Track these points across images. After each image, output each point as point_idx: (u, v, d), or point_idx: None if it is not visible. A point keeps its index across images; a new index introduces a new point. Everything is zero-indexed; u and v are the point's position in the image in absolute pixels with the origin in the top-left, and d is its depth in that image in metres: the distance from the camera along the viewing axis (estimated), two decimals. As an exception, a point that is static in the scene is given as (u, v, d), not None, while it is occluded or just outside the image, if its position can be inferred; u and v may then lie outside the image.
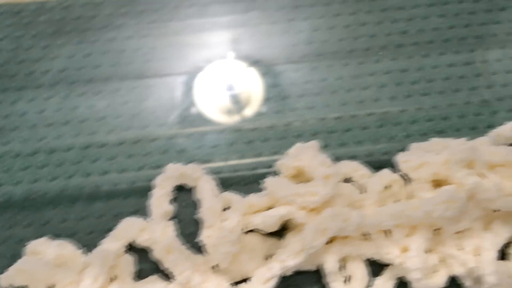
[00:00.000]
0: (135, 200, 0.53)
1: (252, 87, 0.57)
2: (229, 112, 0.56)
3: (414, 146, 0.53)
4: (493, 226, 0.51)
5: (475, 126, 0.55)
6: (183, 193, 0.53)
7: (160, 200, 0.51)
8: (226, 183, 0.53)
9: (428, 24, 0.58)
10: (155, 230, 0.49)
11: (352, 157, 0.54)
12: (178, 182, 0.52)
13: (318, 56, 0.57)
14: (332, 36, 0.58)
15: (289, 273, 0.50)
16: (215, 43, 0.58)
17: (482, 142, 0.53)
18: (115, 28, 0.58)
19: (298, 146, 0.52)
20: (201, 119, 0.55)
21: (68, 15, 0.58)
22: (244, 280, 0.50)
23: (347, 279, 0.50)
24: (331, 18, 0.58)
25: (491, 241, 0.50)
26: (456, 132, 0.55)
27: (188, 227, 0.52)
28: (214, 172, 0.53)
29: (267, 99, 0.56)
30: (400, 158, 0.52)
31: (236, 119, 0.55)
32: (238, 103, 0.56)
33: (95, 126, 0.55)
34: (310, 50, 0.57)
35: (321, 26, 0.58)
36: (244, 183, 0.53)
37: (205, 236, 0.49)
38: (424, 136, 0.54)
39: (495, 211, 0.51)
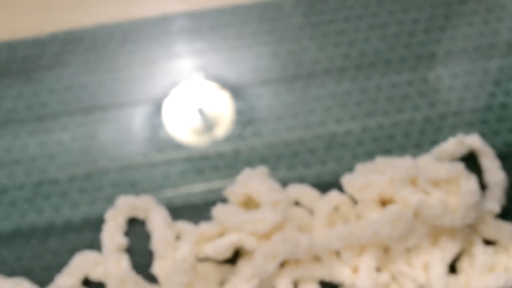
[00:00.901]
0: (89, 234, 0.53)
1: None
2: (178, 143, 0.56)
3: (360, 167, 0.54)
4: (440, 242, 0.51)
5: (419, 144, 0.56)
6: (137, 225, 0.53)
7: (112, 233, 0.51)
8: (179, 212, 0.53)
9: (369, 47, 0.59)
10: (109, 263, 0.50)
11: (301, 180, 0.54)
12: (129, 215, 0.53)
13: (263, 83, 0.58)
14: (276, 63, 0.59)
15: None
16: (160, 75, 0.58)
17: (426, 160, 0.54)
18: (61, 66, 0.58)
19: (246, 173, 0.52)
20: (152, 150, 0.56)
21: (15, 55, 0.58)
22: (200, 308, 0.50)
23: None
24: (274, 45, 0.59)
25: (439, 257, 0.51)
26: (401, 150, 0.56)
27: (143, 258, 0.52)
28: (166, 202, 0.53)
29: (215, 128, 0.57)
30: (346, 180, 0.52)
31: (186, 149, 0.56)
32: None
33: (46, 164, 0.55)
34: (255, 77, 0.58)
35: (264, 53, 0.59)
36: (196, 211, 0.54)
37: (158, 267, 0.50)
38: (370, 156, 0.55)
39: (441, 227, 0.51)
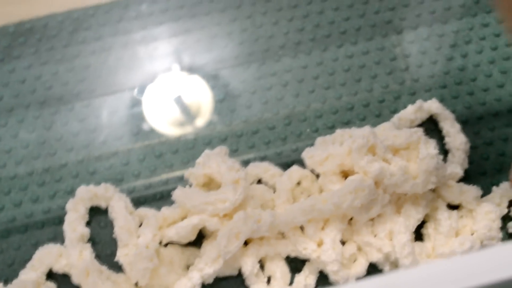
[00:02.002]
0: (52, 227, 0.53)
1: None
2: (135, 131, 0.56)
3: (320, 140, 0.53)
4: (403, 210, 0.51)
5: (379, 113, 0.56)
6: (99, 214, 0.53)
7: (74, 224, 0.51)
8: (140, 200, 0.53)
9: (323, 18, 0.59)
10: (72, 254, 0.50)
11: (263, 158, 0.54)
12: (91, 204, 0.52)
13: (218, 63, 0.58)
14: (230, 42, 0.58)
15: (210, 280, 0.50)
16: (115, 61, 0.58)
17: (385, 127, 0.53)
18: (13, 58, 0.58)
19: (206, 153, 0.52)
20: (110, 139, 0.55)
21: None
22: (168, 293, 0.50)
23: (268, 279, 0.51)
24: (227, 24, 0.59)
25: (403, 225, 0.51)
26: (361, 121, 0.56)
27: (107, 247, 0.52)
28: (127, 190, 0.53)
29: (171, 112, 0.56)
30: (306, 154, 0.52)
31: (140, 137, 0.56)
32: (140, 122, 0.56)
33: (4, 159, 0.55)
34: (209, 57, 0.58)
35: (218, 33, 0.59)
36: (158, 197, 0.54)
37: (122, 255, 0.50)
38: (331, 129, 0.55)
39: (404, 194, 0.51)
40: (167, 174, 0.54)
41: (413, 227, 0.51)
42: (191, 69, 0.58)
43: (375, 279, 0.29)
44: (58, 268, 0.50)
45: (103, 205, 0.53)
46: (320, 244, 0.50)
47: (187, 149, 0.55)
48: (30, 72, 0.57)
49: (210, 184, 0.53)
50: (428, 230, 0.52)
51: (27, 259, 0.51)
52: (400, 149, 0.52)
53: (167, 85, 0.57)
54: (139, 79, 0.57)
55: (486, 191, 0.52)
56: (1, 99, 0.56)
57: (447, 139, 0.54)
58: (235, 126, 0.56)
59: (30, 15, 0.59)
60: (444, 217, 0.51)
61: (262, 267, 0.51)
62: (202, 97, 0.57)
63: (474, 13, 0.58)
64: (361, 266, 0.51)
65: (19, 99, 0.56)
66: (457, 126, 0.54)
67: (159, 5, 0.59)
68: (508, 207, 0.52)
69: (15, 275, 0.50)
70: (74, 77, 0.57)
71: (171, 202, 0.51)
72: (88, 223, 0.52)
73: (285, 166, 0.53)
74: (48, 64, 0.57)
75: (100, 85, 0.57)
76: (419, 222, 0.51)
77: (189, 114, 0.56)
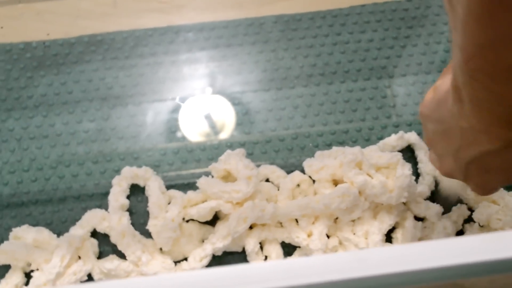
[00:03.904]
0: (99, 196, 0.55)
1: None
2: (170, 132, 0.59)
3: (319, 154, 0.56)
4: (379, 216, 0.54)
5: (369, 138, 0.58)
6: (137, 190, 0.55)
7: (117, 196, 0.53)
8: (171, 184, 0.56)
9: (332, 59, 0.61)
10: (112, 219, 0.52)
11: (272, 163, 0.57)
12: (132, 181, 0.55)
13: (244, 85, 0.60)
14: (256, 69, 0.61)
15: (219, 253, 0.52)
16: (164, 74, 0.61)
17: (371, 149, 0.56)
18: (85, 62, 0.60)
19: (227, 153, 0.55)
20: (154, 133, 0.58)
21: (48, 52, 0.61)
22: (185, 259, 0.53)
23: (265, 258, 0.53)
24: (255, 55, 0.62)
25: (378, 227, 0.53)
26: (354, 143, 0.58)
27: (141, 217, 0.54)
28: (162, 175, 0.56)
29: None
30: (306, 163, 0.55)
31: (175, 136, 0.58)
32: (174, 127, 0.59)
33: (69, 139, 0.57)
34: (238, 80, 0.60)
35: (247, 61, 0.61)
36: (185, 184, 0.56)
37: (152, 225, 0.52)
38: (329, 146, 0.57)
39: (381, 204, 0.54)
40: (194, 166, 0.57)
41: (385, 230, 0.53)
42: (222, 87, 0.60)
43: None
44: (101, 228, 0.53)
45: (141, 184, 0.55)
46: (309, 235, 0.53)
47: (213, 149, 0.57)
48: (96, 74, 0.60)
49: (228, 177, 0.55)
50: (397, 234, 0.54)
51: (77, 219, 0.53)
52: (382, 168, 0.55)
53: (202, 98, 0.60)
54: (181, 91, 0.60)
55: (447, 210, 0.54)
56: (72, 92, 0.59)
57: (420, 165, 0.56)
58: (252, 136, 0.58)
59: (102, 30, 0.62)
60: (411, 226, 0.53)
61: (261, 248, 0.53)
62: (229, 110, 0.60)
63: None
64: (340, 257, 0.53)
65: (86, 94, 0.59)
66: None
67: (203, 34, 0.62)
68: (463, 224, 0.55)
69: (66, 230, 0.53)
70: (130, 82, 0.60)
71: (195, 188, 0.54)
72: (128, 197, 0.54)
73: (289, 171, 0.55)
74: (111, 70, 0.60)
75: (150, 91, 0.60)
76: (390, 227, 0.53)
77: (217, 123, 0.59)
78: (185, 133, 0.58)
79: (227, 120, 0.59)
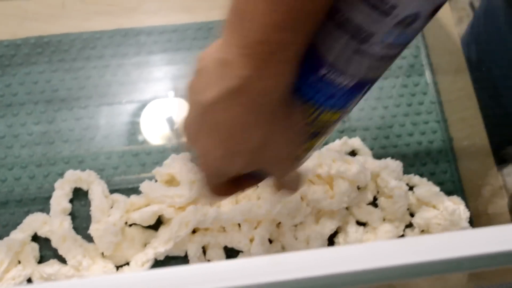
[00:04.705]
0: (42, 200, 0.55)
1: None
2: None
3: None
4: (321, 221, 0.54)
5: None
6: (81, 194, 0.55)
7: (59, 199, 0.53)
8: (115, 188, 0.56)
9: None
10: (54, 223, 0.52)
11: None
12: (75, 185, 0.55)
13: None
14: None
15: (161, 258, 0.52)
16: (110, 76, 0.61)
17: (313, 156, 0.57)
18: (30, 64, 0.60)
19: (172, 157, 0.55)
20: (99, 137, 0.58)
21: None
22: (127, 264, 0.52)
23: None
24: None
25: (319, 232, 0.54)
26: None
27: (84, 221, 0.54)
28: (106, 179, 0.56)
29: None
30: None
31: (122, 140, 0.58)
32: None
33: (12, 141, 0.57)
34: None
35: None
36: (129, 188, 0.56)
37: (94, 229, 0.52)
38: None
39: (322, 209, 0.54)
40: (140, 170, 0.57)
41: (327, 235, 0.54)
42: (171, 90, 0.60)
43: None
44: (42, 232, 0.52)
45: (85, 187, 0.55)
46: (252, 240, 0.53)
47: (159, 153, 0.57)
48: (42, 76, 0.59)
49: (172, 182, 0.55)
50: (339, 239, 0.55)
51: (19, 223, 0.53)
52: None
53: (152, 101, 0.60)
54: (128, 94, 0.60)
55: (389, 215, 0.55)
56: (16, 94, 0.58)
57: (363, 170, 0.57)
58: None
59: (49, 31, 0.61)
60: (352, 230, 0.54)
61: (204, 252, 0.53)
62: (176, 114, 0.60)
63: (396, 75, 0.62)
64: (283, 261, 0.54)
65: (31, 96, 0.59)
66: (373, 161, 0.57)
67: (152, 37, 0.62)
68: (404, 229, 0.56)
69: (7, 234, 0.52)
70: (76, 84, 0.59)
71: (139, 192, 0.54)
72: (71, 201, 0.54)
73: (234, 175, 0.56)
74: (57, 72, 0.60)
75: (97, 94, 0.59)
76: (332, 232, 0.54)
77: (163, 127, 0.59)
78: (131, 137, 0.58)
79: (171, 125, 0.59)
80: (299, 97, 0.35)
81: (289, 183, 0.41)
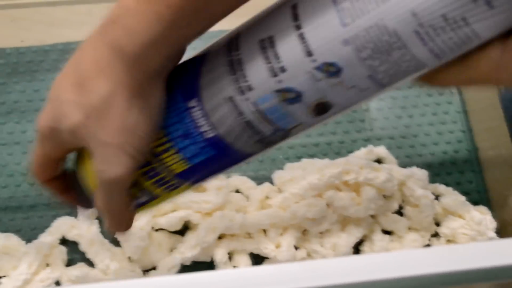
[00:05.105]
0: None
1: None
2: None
3: (289, 166, 0.57)
4: (347, 228, 0.54)
5: (339, 152, 0.59)
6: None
7: (87, 204, 0.54)
8: None
9: None
10: (82, 227, 0.53)
11: (242, 174, 0.57)
12: None
13: None
14: None
15: (188, 263, 0.53)
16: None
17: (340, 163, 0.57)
18: (58, 70, 0.60)
19: None
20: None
21: (22, 59, 0.61)
22: (153, 268, 0.53)
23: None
24: None
25: (346, 240, 0.54)
26: (324, 155, 0.58)
27: None
28: None
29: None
30: (275, 175, 0.56)
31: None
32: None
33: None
34: None
35: None
36: None
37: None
38: (299, 158, 0.58)
39: (349, 217, 0.54)
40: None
41: (353, 243, 0.54)
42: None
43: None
44: (70, 236, 0.53)
45: (112, 192, 0.56)
46: (278, 246, 0.53)
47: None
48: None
49: (198, 188, 0.55)
50: (365, 247, 0.55)
51: (47, 226, 0.53)
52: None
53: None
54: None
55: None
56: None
57: (388, 179, 0.57)
58: None
59: (76, 38, 0.59)
60: (378, 239, 0.54)
61: (230, 258, 0.53)
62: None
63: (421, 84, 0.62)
64: (308, 268, 0.54)
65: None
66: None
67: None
68: (430, 239, 0.56)
69: (36, 237, 0.53)
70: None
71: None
72: None
73: (259, 182, 0.56)
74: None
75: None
76: (358, 240, 0.54)
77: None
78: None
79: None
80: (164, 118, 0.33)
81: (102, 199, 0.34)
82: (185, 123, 0.32)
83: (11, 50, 0.61)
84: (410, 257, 0.33)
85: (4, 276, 0.51)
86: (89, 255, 0.52)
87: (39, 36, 0.62)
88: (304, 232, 0.55)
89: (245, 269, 0.31)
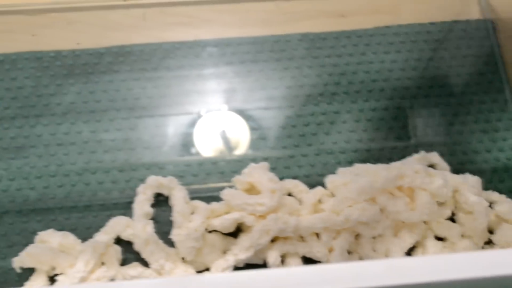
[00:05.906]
0: (124, 204, 0.56)
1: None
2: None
3: (341, 170, 0.57)
4: (400, 234, 0.54)
5: (391, 157, 0.59)
6: (162, 200, 0.56)
7: (142, 204, 0.54)
8: (195, 195, 0.56)
9: (356, 78, 0.63)
10: (137, 227, 0.53)
11: (294, 177, 0.58)
12: (157, 190, 0.56)
13: (269, 101, 0.62)
14: (281, 85, 0.62)
15: (241, 265, 0.53)
16: (190, 87, 0.62)
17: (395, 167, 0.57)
18: (113, 72, 0.62)
19: (251, 166, 0.56)
20: (178, 144, 0.59)
21: (77, 61, 0.62)
22: (207, 269, 0.53)
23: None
24: (280, 71, 0.63)
25: (399, 246, 0.54)
26: (376, 161, 0.58)
27: (165, 226, 0.55)
28: (186, 186, 0.56)
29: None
30: (328, 179, 0.56)
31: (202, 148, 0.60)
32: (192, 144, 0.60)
33: (95, 147, 0.58)
34: (263, 95, 0.62)
35: (272, 76, 0.63)
36: (209, 195, 0.57)
37: (175, 234, 0.53)
38: (350, 163, 0.58)
39: (402, 222, 0.54)
40: (218, 178, 0.58)
41: (406, 249, 0.54)
42: (247, 102, 0.61)
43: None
44: (125, 236, 0.54)
45: (166, 193, 0.56)
46: (331, 250, 0.53)
47: (237, 162, 0.58)
48: (124, 84, 0.61)
49: (251, 190, 0.56)
50: (417, 253, 0.55)
51: (102, 225, 0.54)
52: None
53: (227, 112, 0.62)
54: (206, 104, 0.61)
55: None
56: (100, 101, 0.60)
57: (441, 185, 0.57)
58: (276, 151, 0.59)
59: (131, 41, 0.63)
60: (431, 245, 0.54)
61: (282, 261, 0.54)
62: (254, 125, 0.61)
63: (474, 92, 0.62)
64: (360, 273, 0.54)
65: (113, 103, 0.60)
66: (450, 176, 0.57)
67: (230, 49, 0.64)
68: (483, 246, 0.55)
69: (90, 236, 0.54)
70: (157, 93, 0.61)
71: (219, 199, 0.55)
72: (152, 205, 0.55)
73: (311, 186, 0.56)
74: (139, 81, 0.61)
75: (176, 103, 0.61)
76: (411, 245, 0.54)
77: (241, 137, 0.60)
78: (210, 146, 0.59)
79: (251, 134, 0.60)
80: None
81: None
82: None
83: (67, 52, 0.62)
84: (464, 260, 0.32)
85: (61, 274, 0.51)
86: (144, 254, 0.52)
87: (94, 39, 0.63)
88: (357, 236, 0.55)
89: (298, 268, 0.31)
